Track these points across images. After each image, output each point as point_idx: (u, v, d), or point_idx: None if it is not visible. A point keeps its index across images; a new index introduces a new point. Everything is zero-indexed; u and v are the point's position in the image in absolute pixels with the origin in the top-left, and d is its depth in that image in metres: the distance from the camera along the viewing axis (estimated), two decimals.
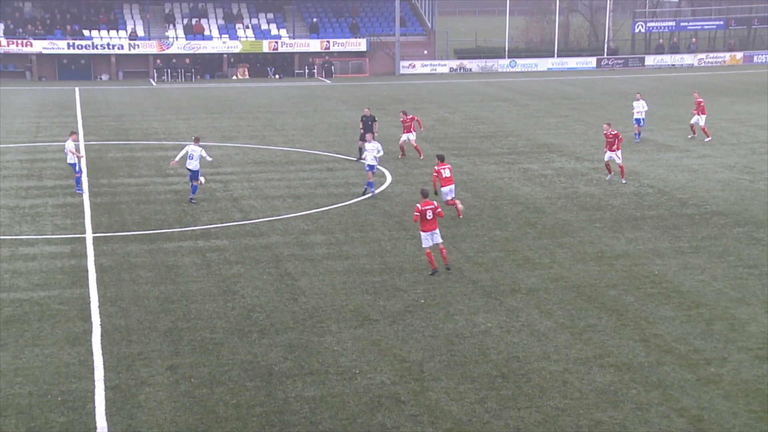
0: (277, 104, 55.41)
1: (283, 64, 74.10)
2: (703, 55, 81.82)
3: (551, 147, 39.78)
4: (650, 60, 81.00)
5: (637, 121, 41.23)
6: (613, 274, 22.16)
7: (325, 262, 23.13)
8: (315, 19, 76.77)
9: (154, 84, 68.41)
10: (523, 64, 78.50)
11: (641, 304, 20.05)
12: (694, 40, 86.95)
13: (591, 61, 79.74)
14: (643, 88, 57.57)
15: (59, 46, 69.55)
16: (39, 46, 69.11)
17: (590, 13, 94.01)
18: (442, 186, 27.23)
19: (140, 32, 72.80)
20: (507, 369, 16.71)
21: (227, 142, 41.34)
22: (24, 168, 35.24)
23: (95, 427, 14.62)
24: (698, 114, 40.79)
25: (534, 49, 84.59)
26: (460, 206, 27.39)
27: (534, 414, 14.99)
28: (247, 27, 75.37)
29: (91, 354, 17.38)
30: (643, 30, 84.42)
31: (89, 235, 25.65)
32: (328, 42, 74.15)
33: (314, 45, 74.03)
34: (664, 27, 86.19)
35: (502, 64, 78.15)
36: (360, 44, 74.65)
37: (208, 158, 29.91)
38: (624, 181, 32.11)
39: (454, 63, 77.96)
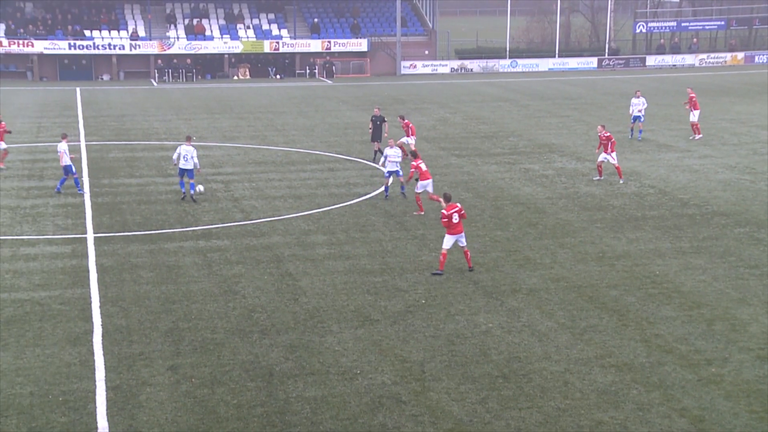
0: (278, 104, 55.41)
1: (284, 65, 74.11)
2: (704, 56, 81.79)
3: (552, 147, 39.78)
4: (651, 60, 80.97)
5: (636, 118, 41.32)
6: (614, 274, 22.15)
7: (326, 263, 23.13)
8: (316, 20, 76.78)
9: (155, 84, 68.43)
10: (524, 64, 78.49)
11: (642, 304, 20.05)
12: (695, 40, 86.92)
13: (592, 62, 79.73)
14: (644, 89, 57.52)
15: (60, 47, 69.57)
16: (40, 47, 69.14)
17: (591, 14, 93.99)
18: (421, 180, 27.77)
19: (141, 32, 72.81)
20: (508, 369, 16.71)
21: (228, 143, 41.36)
22: (25, 168, 35.25)
23: (96, 428, 14.62)
24: (691, 109, 41.30)
25: (535, 50, 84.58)
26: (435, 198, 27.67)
27: (535, 414, 14.99)
28: (248, 27, 75.37)
29: (92, 354, 17.39)
30: (644, 30, 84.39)
31: (90, 236, 25.66)
32: (329, 42, 74.15)
33: (315, 45, 74.03)
34: (665, 27, 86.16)
35: (503, 65, 78.15)
36: (361, 44, 74.66)
37: (198, 166, 29.70)
38: (622, 181, 32.15)
39: (455, 63, 77.96)
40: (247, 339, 18.16)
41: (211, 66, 72.95)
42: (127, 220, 27.35)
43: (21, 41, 69.00)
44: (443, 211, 22.17)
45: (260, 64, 73.94)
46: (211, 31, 74.25)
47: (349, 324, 18.98)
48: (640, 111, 41.26)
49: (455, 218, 21.95)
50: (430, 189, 27.81)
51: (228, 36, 73.80)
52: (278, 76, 72.87)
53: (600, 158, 32.51)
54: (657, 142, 40.64)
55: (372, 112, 40.08)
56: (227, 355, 17.38)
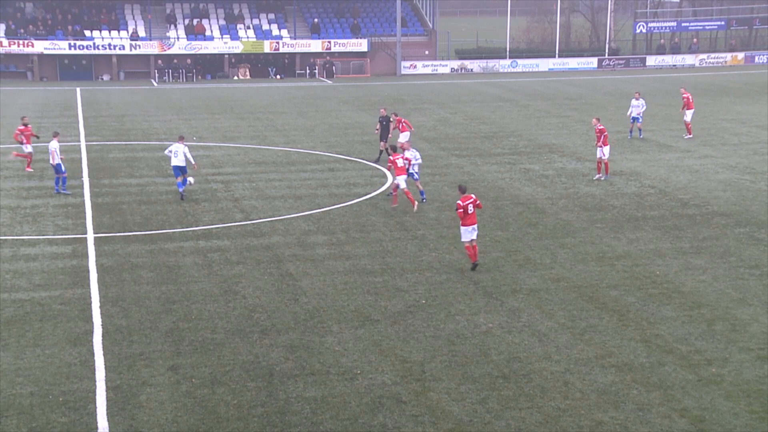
0: (278, 105, 55.41)
1: (285, 65, 74.10)
2: (704, 56, 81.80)
3: (552, 147, 39.78)
4: (651, 60, 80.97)
5: (634, 119, 41.49)
6: (615, 274, 22.15)
7: (326, 263, 23.13)
8: (316, 20, 76.78)
9: (155, 84, 68.43)
10: (525, 64, 78.50)
11: (642, 304, 20.04)
12: (695, 40, 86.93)
13: (592, 62, 79.74)
14: (644, 89, 57.59)
15: (60, 47, 69.58)
16: (40, 47, 69.15)
17: (591, 14, 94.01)
18: (398, 174, 28.07)
19: (141, 32, 72.81)
20: (508, 369, 16.71)
21: (228, 143, 41.36)
22: (24, 168, 35.19)
23: (96, 428, 14.62)
24: (684, 109, 41.72)
25: (535, 50, 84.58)
26: (411, 196, 28.33)
27: (535, 414, 14.99)
28: (249, 27, 75.38)
29: (93, 354, 17.39)
30: (644, 30, 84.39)
31: (90, 236, 25.66)
32: (329, 42, 74.16)
33: (315, 45, 74.04)
34: (666, 27, 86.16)
35: (504, 65, 78.16)
36: (361, 44, 74.66)
37: (192, 162, 30.00)
38: (604, 178, 32.43)
39: (455, 63, 77.97)
40: (248, 339, 18.16)
41: (212, 66, 72.95)
42: (127, 221, 27.34)
43: (21, 41, 69.00)
44: (458, 201, 22.36)
45: (260, 65, 73.95)
46: (211, 32, 74.25)
47: (349, 324, 18.98)
48: (638, 113, 41.36)
49: (470, 209, 22.14)
50: (403, 185, 28.22)
51: (228, 36, 73.81)
52: (278, 77, 72.87)
53: (598, 154, 32.65)
54: (657, 143, 40.64)
55: (375, 113, 40.14)
56: (227, 355, 17.38)
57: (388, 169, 28.58)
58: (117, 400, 15.50)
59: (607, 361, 17.05)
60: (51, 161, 30.70)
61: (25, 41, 69.04)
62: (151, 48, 71.24)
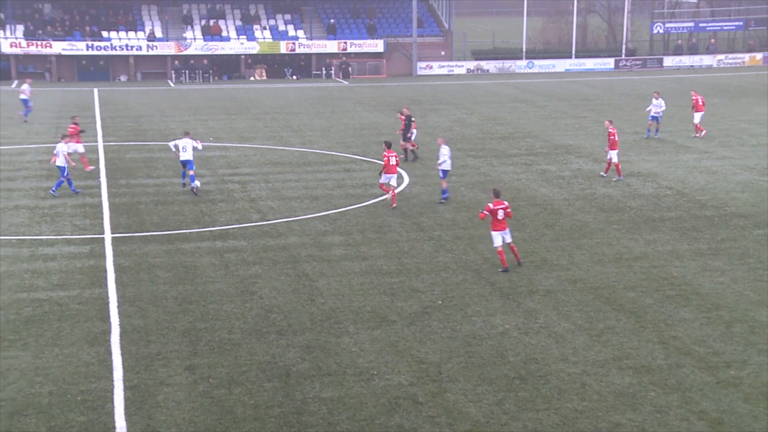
0: (294, 105, 55.50)
1: (301, 65, 74.20)
2: (722, 56, 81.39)
3: (569, 148, 39.67)
4: (669, 61, 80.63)
5: (653, 118, 41.57)
6: (632, 275, 22.07)
7: (342, 263, 23.15)
8: (332, 20, 76.84)
9: (172, 85, 68.66)
10: (541, 65, 78.32)
11: (660, 306, 19.96)
12: (713, 40, 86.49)
13: (609, 62, 79.47)
14: (661, 90, 57.30)
15: (78, 48, 69.92)
16: (58, 48, 69.51)
17: (608, 14, 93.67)
18: (386, 173, 28.66)
19: (158, 33, 73.07)
20: (525, 371, 16.67)
21: (245, 143, 41.45)
22: (43, 169, 35.40)
23: (114, 427, 14.69)
24: (693, 111, 42.12)
25: (551, 50, 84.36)
26: (390, 197, 28.88)
27: (552, 416, 14.95)
28: (265, 28, 75.52)
29: (110, 354, 17.47)
30: (661, 31, 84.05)
31: (108, 236, 25.77)
32: (346, 43, 74.21)
33: (331, 46, 74.10)
34: (683, 28, 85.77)
35: (520, 65, 78.00)
36: (377, 45, 74.69)
37: (199, 147, 31.05)
38: (605, 175, 32.75)
39: (472, 64, 77.87)
40: (264, 339, 18.19)
41: (228, 67, 73.13)
42: (144, 221, 27.45)
43: (39, 42, 69.38)
44: (489, 204, 22.43)
45: (276, 65, 74.08)
46: (228, 32, 74.44)
47: (365, 325, 18.98)
48: (657, 113, 41.44)
49: (500, 214, 22.17)
50: (393, 183, 28.93)
51: (244, 37, 73.97)
52: (294, 77, 72.98)
53: (609, 156, 32.85)
54: (675, 144, 40.48)
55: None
56: (244, 355, 17.42)
57: (384, 165, 29.03)
58: (134, 400, 15.56)
59: (624, 362, 16.99)
60: (57, 163, 30.56)
61: (44, 42, 69.41)
62: (167, 49, 71.48)
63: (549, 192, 31.04)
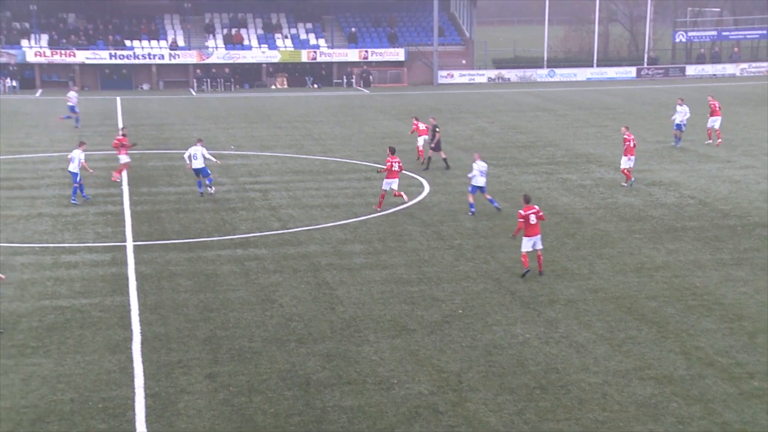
0: (315, 114, 55.63)
1: (322, 74, 74.39)
2: (745, 65, 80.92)
3: (590, 157, 39.54)
4: (691, 70, 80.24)
5: (678, 126, 41.56)
6: (653, 285, 21.95)
7: (363, 272, 23.16)
8: (353, 29, 77.03)
9: (193, 93, 69.02)
10: (562, 73, 78.14)
11: (682, 316, 19.84)
12: (736, 49, 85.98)
13: (631, 71, 79.18)
14: (684, 98, 56.98)
15: (102, 57, 70.45)
16: (82, 57, 70.05)
17: (630, 23, 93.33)
18: (387, 177, 29.36)
19: (180, 42, 73.50)
20: (546, 380, 16.61)
21: (266, 151, 41.58)
22: (66, 177, 35.56)
23: None
24: (710, 116, 42.22)
25: (573, 59, 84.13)
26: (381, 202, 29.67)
27: (573, 426, 14.88)
28: (286, 37, 75.81)
29: (132, 361, 17.54)
30: (683, 39, 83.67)
31: (130, 244, 25.91)
32: (367, 51, 74.36)
33: (352, 55, 74.26)
34: (706, 36, 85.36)
35: (541, 74, 77.86)
36: (398, 54, 74.78)
37: (213, 160, 31.76)
38: (625, 185, 32.89)
39: (493, 73, 77.80)
40: (284, 348, 18.21)
41: (249, 75, 73.44)
42: (165, 229, 27.57)
43: (63, 51, 69.96)
44: (520, 211, 22.50)
45: (297, 74, 74.30)
46: (250, 41, 74.77)
47: (385, 333, 18.97)
48: (682, 120, 41.51)
49: (532, 219, 22.23)
50: (394, 187, 29.59)
51: (266, 45, 74.27)
52: (315, 86, 73.18)
53: (629, 164, 33.10)
54: (697, 152, 40.26)
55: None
56: (264, 363, 17.44)
57: (386, 170, 29.61)
58: (155, 408, 15.61)
59: (646, 373, 16.88)
60: (71, 169, 30.68)
61: (67, 51, 69.98)
62: (190, 57, 71.88)
63: (570, 201, 30.94)
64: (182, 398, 15.97)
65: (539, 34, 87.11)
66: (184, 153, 32.35)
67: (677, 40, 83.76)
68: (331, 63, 74.34)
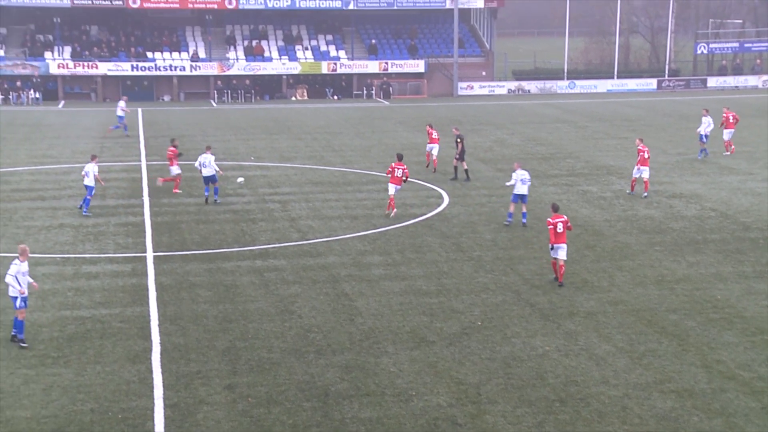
0: (335, 125, 55.76)
1: (342, 86, 74.60)
2: (767, 77, 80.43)
3: (610, 169, 39.40)
4: (712, 81, 79.88)
5: (703, 137, 41.60)
6: (674, 298, 21.81)
7: (382, 283, 23.15)
8: (374, 41, 77.24)
9: (214, 105, 69.36)
10: (583, 85, 78.00)
11: (703, 329, 19.70)
12: (758, 61, 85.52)
13: (652, 83, 78.92)
14: (702, 111, 56.70)
15: (123, 68, 70.97)
16: (104, 68, 70.59)
17: (651, 35, 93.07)
18: (390, 182, 30.25)
19: (202, 54, 73.94)
20: (565, 393, 16.52)
21: (286, 163, 41.70)
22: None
23: None
24: (723, 128, 42.56)
25: (593, 71, 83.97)
26: (393, 207, 30.45)
27: None
28: (307, 48, 76.11)
29: (151, 372, 17.60)
30: (705, 51, 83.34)
31: (150, 254, 26.02)
32: (387, 63, 74.52)
33: (373, 66, 74.45)
34: (728, 48, 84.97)
35: (561, 86, 77.74)
36: (418, 65, 74.91)
37: (218, 170, 32.56)
38: (646, 195, 33.04)
39: (513, 84, 77.75)
40: (303, 359, 18.22)
41: (270, 87, 73.75)
42: (185, 240, 27.68)
43: (86, 63, 70.52)
44: (548, 219, 22.88)
45: (318, 85, 74.57)
46: (270, 53, 75.11)
47: (404, 345, 18.94)
48: (706, 131, 41.62)
49: (559, 227, 22.50)
50: (391, 192, 30.30)
51: (286, 57, 74.59)
52: (335, 97, 73.39)
53: (645, 175, 33.27)
54: (719, 165, 40.04)
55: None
56: (283, 374, 17.45)
57: (388, 173, 30.67)
58: (174, 418, 15.64)
59: (666, 386, 16.77)
60: (87, 182, 30.83)
61: (90, 63, 70.54)
62: (210, 69, 72.29)
63: (590, 213, 30.83)
64: (201, 409, 16.00)
65: (560, 46, 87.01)
66: (195, 163, 33.08)
67: (699, 51, 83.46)
68: (352, 74, 74.54)
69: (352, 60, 74.77)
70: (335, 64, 73.94)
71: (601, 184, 35.94)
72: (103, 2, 71.02)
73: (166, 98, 72.33)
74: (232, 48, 75.01)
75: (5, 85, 68.91)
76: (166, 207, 32.29)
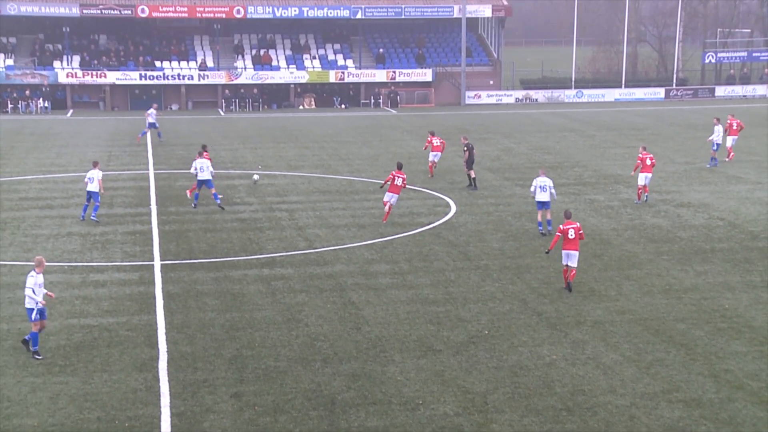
0: (342, 134, 55.82)
1: (349, 94, 74.70)
2: None
3: (618, 178, 39.36)
4: (720, 91, 79.75)
5: (715, 146, 41.72)
6: (682, 307, 21.76)
7: (388, 292, 23.14)
8: (381, 50, 77.34)
9: (222, 113, 69.51)
10: (590, 94, 77.95)
11: (711, 338, 19.64)
12: (766, 70, 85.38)
13: (659, 92, 78.83)
14: (712, 120, 56.66)
15: (132, 77, 71.18)
16: (112, 77, 70.81)
17: (659, 44, 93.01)
18: (390, 191, 30.46)
19: (210, 63, 74.13)
20: (572, 402, 16.48)
21: (293, 171, 41.75)
22: None
23: None
24: (729, 134, 42.71)
25: (601, 80, 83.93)
26: (387, 212, 30.71)
27: None
28: (314, 57, 76.25)
29: (158, 380, 17.61)
30: (713, 60, 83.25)
31: (157, 263, 26.06)
32: (394, 72, 74.60)
33: (380, 75, 74.53)
34: (736, 57, 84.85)
35: (569, 95, 77.70)
36: (426, 74, 74.97)
37: (212, 170, 33.42)
38: (638, 202, 33.64)
39: (520, 93, 77.76)
40: (310, 367, 18.21)
41: (277, 96, 73.88)
42: (193, 248, 27.72)
43: (94, 72, 70.76)
44: (560, 226, 23.01)
45: (325, 94, 74.67)
46: (278, 62, 75.27)
47: (411, 354, 18.92)
48: (718, 140, 41.76)
49: (570, 234, 22.65)
50: (392, 202, 30.58)
51: (294, 66, 74.74)
52: (343, 106, 73.48)
53: (645, 181, 33.69)
54: (726, 174, 39.96)
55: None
56: (290, 383, 17.44)
57: (386, 183, 30.96)
58: (181, 427, 15.64)
59: (674, 396, 16.71)
60: (92, 188, 30.86)
61: (98, 72, 70.77)
62: (218, 78, 72.47)
63: (597, 222, 30.78)
64: (208, 417, 15.99)
65: (567, 55, 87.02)
66: (191, 169, 33.59)
67: (707, 61, 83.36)
68: (359, 83, 74.65)
69: (360, 69, 74.88)
70: (343, 73, 74.05)
71: (608, 193, 35.89)
72: (112, 12, 71.30)
73: (174, 107, 72.50)
74: (240, 57, 75.19)
75: (14, 94, 69.17)
76: (173, 215, 32.34)
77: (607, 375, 17.71)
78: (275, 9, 73.65)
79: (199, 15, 73.38)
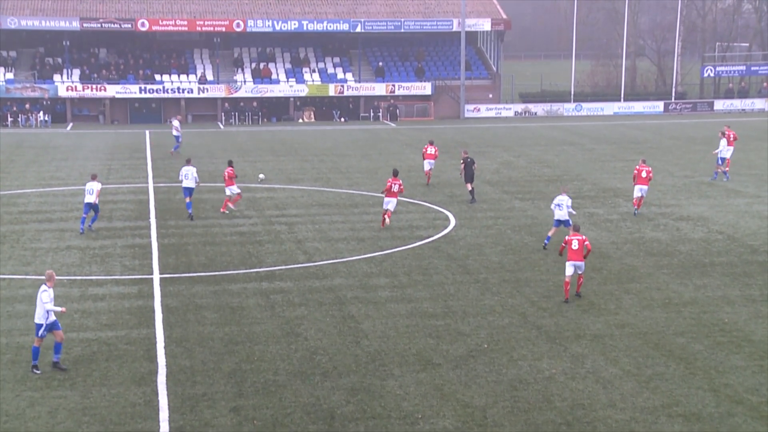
0: (342, 147, 55.88)
1: (349, 108, 74.84)
2: None
3: (617, 191, 39.40)
4: (719, 104, 79.90)
5: (719, 160, 41.85)
6: (681, 321, 21.75)
7: (388, 305, 23.13)
8: (381, 63, 77.53)
9: (221, 127, 69.60)
10: (589, 108, 78.07)
11: (710, 352, 19.62)
12: (765, 84, 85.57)
13: (658, 106, 78.97)
14: (711, 133, 56.78)
15: (132, 90, 71.31)
16: (112, 91, 70.94)
17: (658, 57, 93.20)
18: (386, 196, 31.59)
19: (209, 76, 74.30)
20: (572, 416, 16.45)
21: (292, 185, 41.78)
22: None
23: None
24: (728, 145, 42.44)
25: (600, 93, 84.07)
26: (387, 219, 31.67)
27: None
28: (314, 71, 76.43)
29: (157, 394, 17.58)
30: (712, 74, 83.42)
31: (156, 276, 26.05)
32: (394, 85, 74.74)
33: (379, 88, 74.67)
34: (734, 71, 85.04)
35: (568, 108, 77.82)
36: (425, 88, 75.12)
37: (198, 179, 34.20)
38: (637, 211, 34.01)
39: (519, 107, 77.87)
40: (309, 381, 18.19)
41: (277, 109, 74.01)
42: (192, 261, 27.71)
43: (94, 86, 70.89)
44: (566, 237, 23.40)
45: (325, 107, 74.80)
46: (278, 75, 75.44)
47: (410, 368, 18.90)
48: (721, 152, 41.92)
49: (574, 245, 22.88)
50: (391, 207, 31.59)
51: (294, 79, 74.90)
52: (342, 119, 73.59)
53: (641, 193, 34.07)
54: (725, 187, 40.00)
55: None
56: (289, 397, 17.42)
57: (385, 190, 31.74)
58: None
59: (673, 410, 16.69)
60: (91, 200, 30.92)
61: (98, 85, 70.91)
62: (218, 91, 72.60)
63: (597, 235, 30.79)
64: (207, 431, 15.95)
65: (566, 69, 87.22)
66: (180, 176, 34.30)
67: (705, 74, 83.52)
68: (359, 97, 74.78)
69: (359, 82, 75.04)
70: (342, 86, 74.20)
71: (607, 207, 35.92)
72: (113, 25, 71.52)
73: (176, 122, 72.50)
74: (239, 70, 75.36)
75: (14, 108, 69.28)
76: (172, 229, 32.34)
77: (607, 389, 17.69)
78: (275, 22, 73.86)
79: (199, 28, 73.58)
